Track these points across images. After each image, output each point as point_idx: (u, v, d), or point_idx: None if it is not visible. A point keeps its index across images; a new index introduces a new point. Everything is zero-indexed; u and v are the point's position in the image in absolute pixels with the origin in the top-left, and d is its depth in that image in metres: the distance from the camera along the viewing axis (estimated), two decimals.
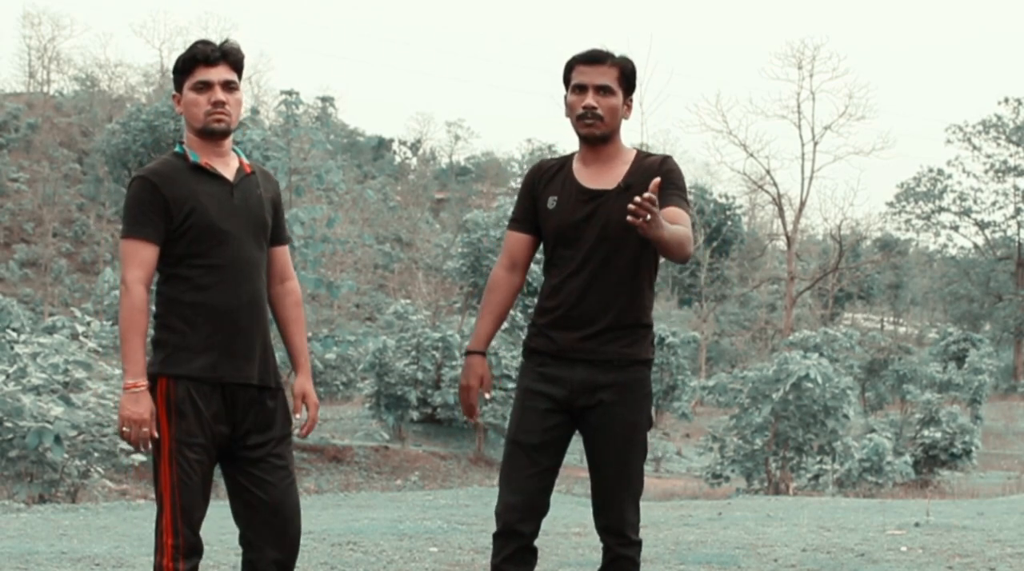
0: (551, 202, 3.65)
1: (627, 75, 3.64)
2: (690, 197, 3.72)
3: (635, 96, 3.71)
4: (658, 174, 3.53)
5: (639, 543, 3.68)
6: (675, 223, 3.49)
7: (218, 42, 3.54)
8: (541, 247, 3.80)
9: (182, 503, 3.42)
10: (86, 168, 60.44)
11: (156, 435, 3.41)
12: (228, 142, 3.59)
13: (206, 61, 3.49)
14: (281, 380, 3.68)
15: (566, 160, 3.74)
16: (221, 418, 3.48)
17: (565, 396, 3.60)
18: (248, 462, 3.53)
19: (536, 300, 3.75)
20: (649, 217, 3.22)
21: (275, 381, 3.61)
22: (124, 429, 3.38)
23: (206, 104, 3.48)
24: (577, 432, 3.71)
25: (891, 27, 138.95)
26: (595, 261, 3.57)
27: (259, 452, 3.53)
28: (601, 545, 3.75)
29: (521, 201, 3.74)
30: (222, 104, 3.48)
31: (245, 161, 3.62)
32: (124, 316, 3.39)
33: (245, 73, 3.68)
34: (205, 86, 3.48)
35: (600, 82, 3.58)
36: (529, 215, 3.72)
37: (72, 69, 74.24)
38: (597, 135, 3.61)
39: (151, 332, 3.54)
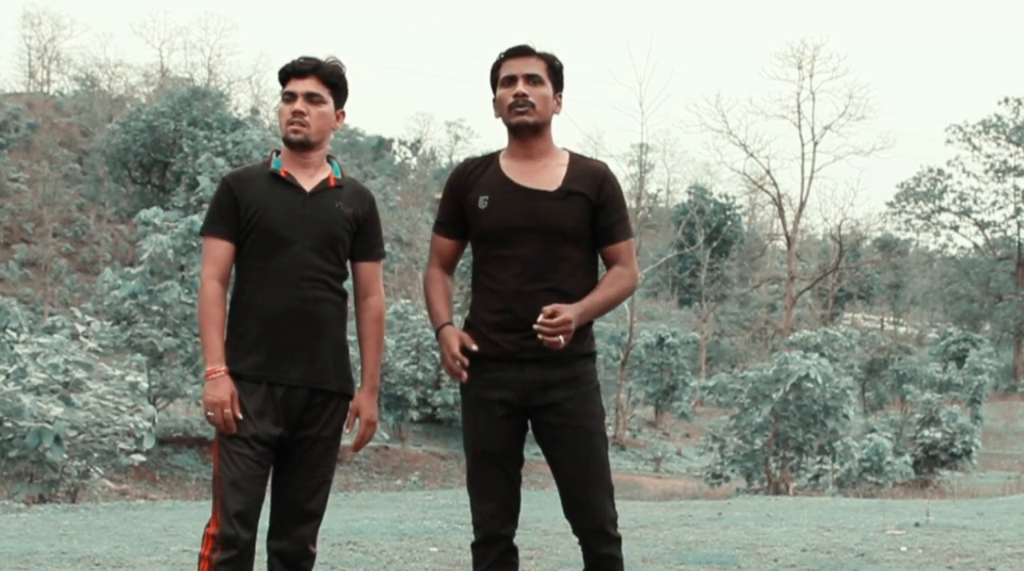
0: (482, 202, 3.60)
1: (555, 69, 3.65)
2: (628, 206, 3.74)
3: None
4: (600, 184, 3.59)
5: (620, 539, 3.65)
6: (623, 257, 3.62)
7: (303, 56, 3.68)
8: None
9: (223, 495, 3.51)
10: (86, 168, 60.42)
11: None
12: (317, 155, 3.69)
13: (295, 72, 3.63)
14: (352, 389, 3.74)
15: (492, 157, 3.70)
16: (269, 416, 3.55)
17: (518, 398, 3.56)
18: (285, 457, 3.64)
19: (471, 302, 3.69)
20: (562, 338, 3.40)
21: (339, 387, 3.67)
22: (209, 414, 3.52)
23: (288, 114, 3.62)
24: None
25: (891, 27, 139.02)
26: (538, 261, 3.54)
27: (295, 449, 3.63)
28: (581, 548, 3.69)
29: (445, 204, 3.71)
30: (300, 115, 3.61)
31: (335, 175, 3.71)
32: (199, 309, 3.60)
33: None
34: (291, 97, 3.63)
35: (529, 71, 3.59)
36: (455, 218, 3.68)
37: (72, 69, 74.36)
38: (529, 123, 3.58)
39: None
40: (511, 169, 3.63)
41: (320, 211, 3.64)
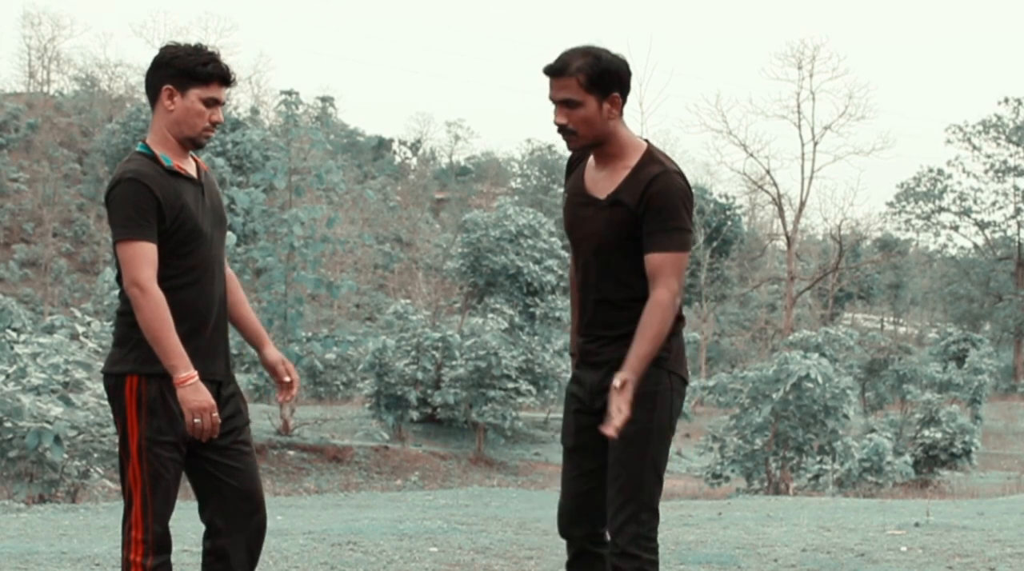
0: (563, 200, 3.60)
1: (594, 79, 3.38)
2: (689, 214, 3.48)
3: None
4: (643, 192, 3.38)
5: (637, 557, 3.41)
6: (657, 273, 3.38)
7: (210, 48, 3.58)
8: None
9: (153, 500, 3.45)
10: (86, 168, 60.42)
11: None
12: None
13: (224, 81, 3.55)
14: (232, 369, 3.75)
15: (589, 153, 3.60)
16: None
17: (586, 397, 3.55)
18: (217, 451, 3.57)
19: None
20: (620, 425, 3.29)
21: (231, 371, 3.69)
22: (196, 421, 3.41)
23: (207, 120, 3.53)
24: None
25: (891, 27, 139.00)
26: (593, 266, 3.49)
27: (227, 440, 3.58)
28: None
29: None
30: (216, 124, 3.57)
31: (201, 160, 3.68)
32: (152, 315, 3.39)
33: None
34: (214, 103, 3.54)
35: (562, 97, 3.40)
36: None
37: (72, 69, 74.20)
38: (578, 149, 3.49)
39: (115, 329, 3.57)
40: (590, 170, 3.55)
41: (212, 198, 3.62)
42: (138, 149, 3.55)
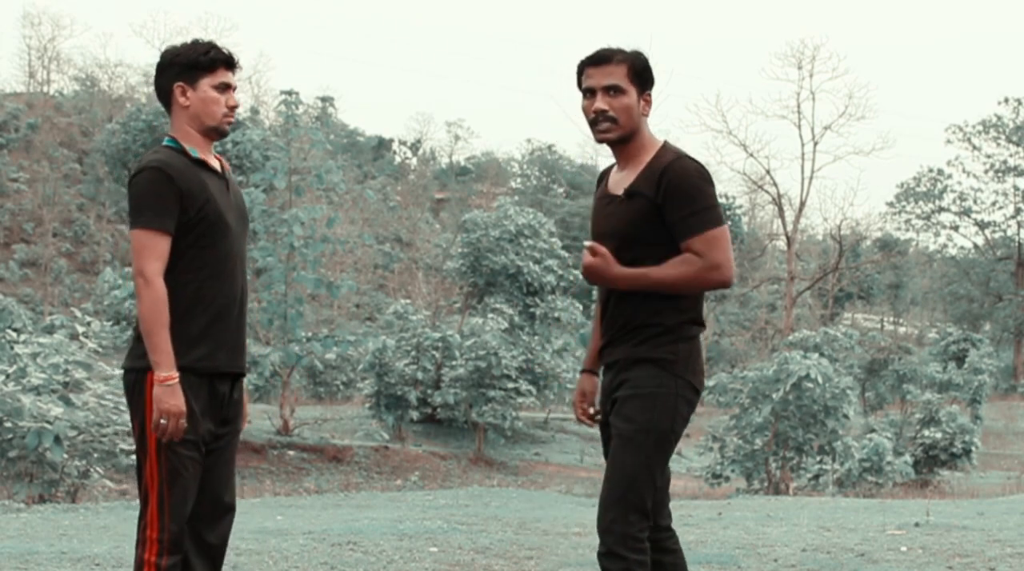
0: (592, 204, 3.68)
1: (638, 70, 3.47)
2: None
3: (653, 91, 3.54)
4: (659, 181, 3.39)
5: (624, 558, 3.38)
6: (700, 254, 3.37)
7: (217, 45, 3.62)
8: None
9: (170, 498, 3.43)
10: (86, 168, 60.41)
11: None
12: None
13: (228, 65, 3.58)
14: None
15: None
16: (207, 412, 3.51)
17: (607, 403, 3.59)
18: (208, 452, 3.56)
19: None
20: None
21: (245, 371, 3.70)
22: (162, 421, 3.37)
23: (224, 106, 3.57)
24: None
25: (891, 27, 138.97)
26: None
27: (219, 443, 3.58)
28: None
29: None
30: (235, 108, 3.61)
31: (221, 157, 3.71)
32: (150, 309, 3.39)
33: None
34: (227, 88, 3.57)
35: (608, 82, 3.44)
36: None
37: (72, 69, 74.18)
38: (613, 139, 3.48)
39: (137, 325, 3.55)
40: (612, 176, 3.60)
41: (236, 194, 3.65)
42: (165, 142, 3.58)
